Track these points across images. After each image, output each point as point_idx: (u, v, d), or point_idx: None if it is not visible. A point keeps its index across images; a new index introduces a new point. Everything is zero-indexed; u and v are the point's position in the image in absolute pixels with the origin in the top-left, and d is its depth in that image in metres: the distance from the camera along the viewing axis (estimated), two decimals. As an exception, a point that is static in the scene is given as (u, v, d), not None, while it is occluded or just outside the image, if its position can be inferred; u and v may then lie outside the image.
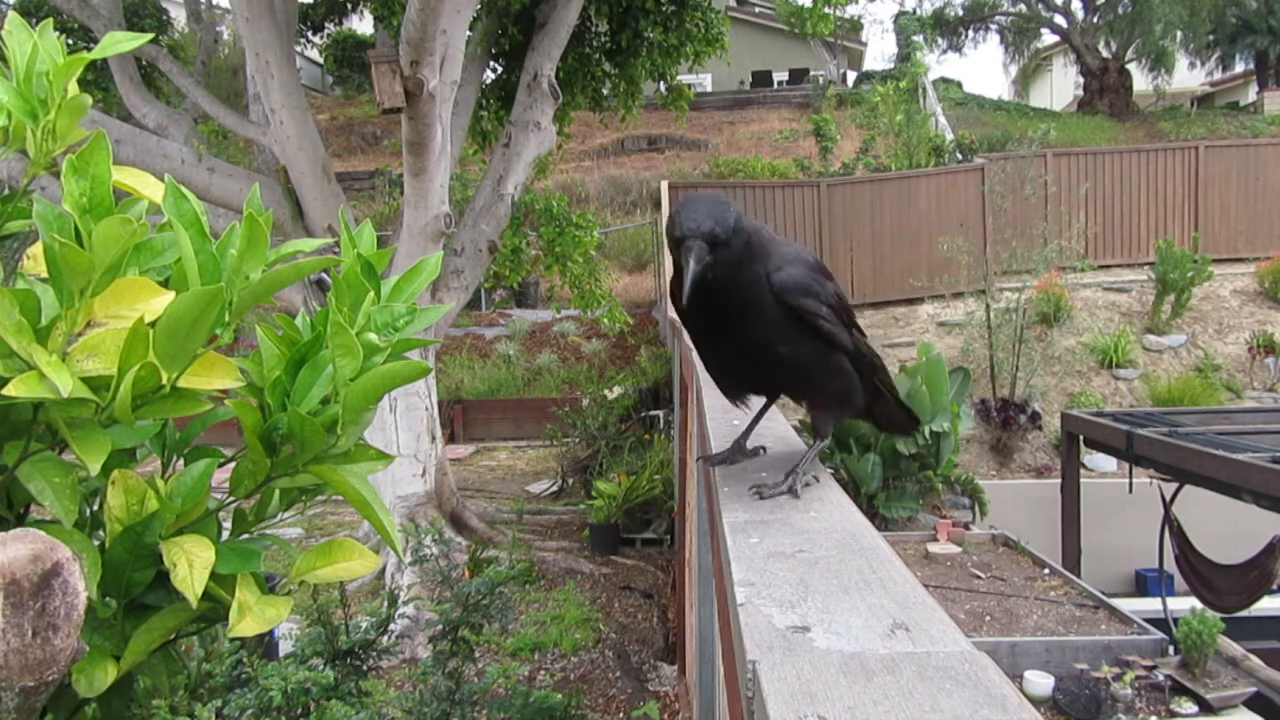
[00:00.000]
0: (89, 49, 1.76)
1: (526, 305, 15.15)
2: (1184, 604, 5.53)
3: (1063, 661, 4.37)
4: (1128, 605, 5.28)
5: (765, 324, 1.29)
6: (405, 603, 3.46)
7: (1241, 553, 5.53)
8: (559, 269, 8.84)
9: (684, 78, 10.24)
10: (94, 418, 0.85)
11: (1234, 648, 4.69)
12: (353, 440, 0.96)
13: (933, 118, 17.28)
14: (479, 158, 10.33)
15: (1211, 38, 21.62)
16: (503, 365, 13.45)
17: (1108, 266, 12.85)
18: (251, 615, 0.92)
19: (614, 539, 7.73)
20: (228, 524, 1.01)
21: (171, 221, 0.92)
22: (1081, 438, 7.48)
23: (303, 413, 0.90)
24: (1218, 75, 24.77)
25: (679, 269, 1.28)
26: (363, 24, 15.62)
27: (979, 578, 5.47)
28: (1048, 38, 25.82)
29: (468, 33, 7.07)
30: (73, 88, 0.96)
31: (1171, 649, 4.47)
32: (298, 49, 8.98)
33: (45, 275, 0.91)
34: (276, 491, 1.00)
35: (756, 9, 25.86)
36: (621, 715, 5.04)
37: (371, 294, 1.00)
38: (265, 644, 3.90)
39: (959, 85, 23.83)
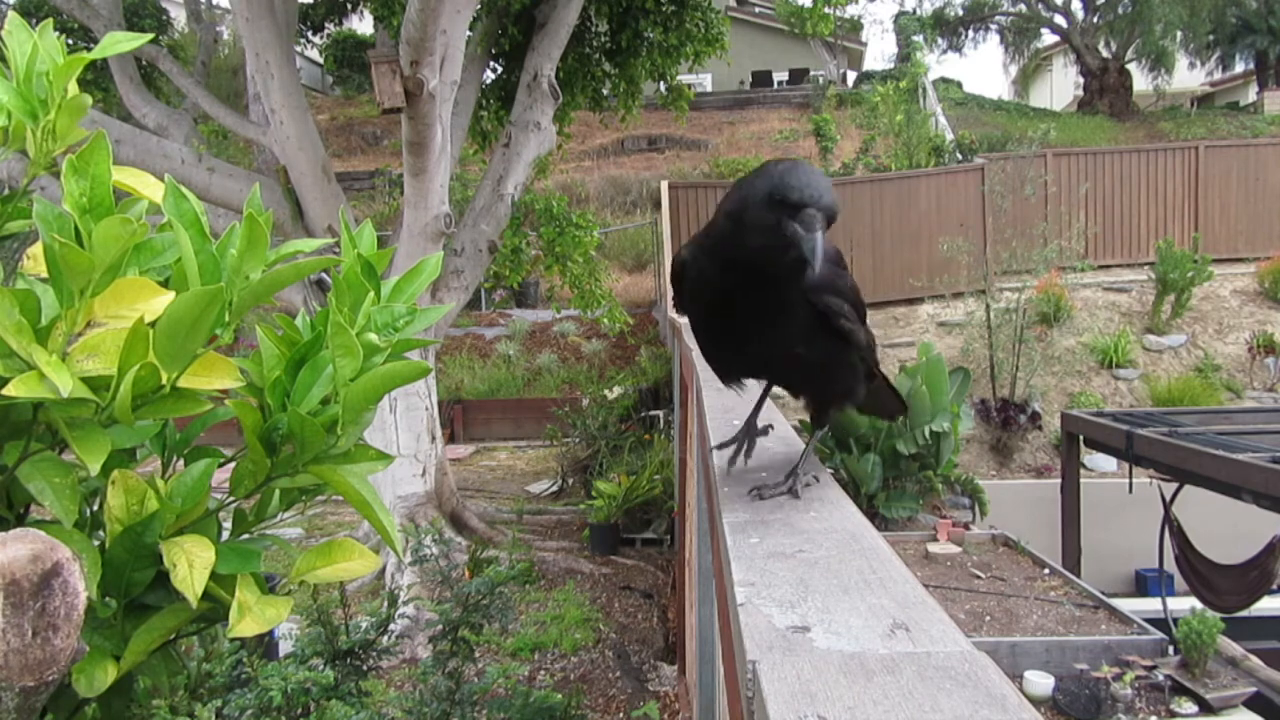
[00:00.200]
0: (89, 49, 1.76)
1: (526, 305, 15.15)
2: (1184, 604, 5.53)
3: (1063, 661, 4.38)
4: (1128, 605, 5.28)
5: (791, 323, 1.20)
6: (405, 603, 3.47)
7: (1241, 553, 5.53)
8: (559, 269, 8.84)
9: (684, 78, 10.24)
10: (94, 418, 0.85)
11: (1234, 648, 4.69)
12: (353, 440, 0.96)
13: (933, 118, 17.28)
14: (479, 158, 10.33)
15: (1211, 38, 21.62)
16: (503, 365, 13.45)
17: (1108, 266, 12.85)
18: (251, 615, 0.92)
19: (614, 539, 7.73)
20: (228, 524, 1.01)
21: (171, 221, 0.92)
22: (1081, 438, 7.49)
23: (303, 413, 0.90)
24: (1218, 75, 24.77)
25: (735, 236, 1.11)
26: (363, 24, 15.62)
27: (979, 578, 5.47)
28: (1048, 38, 25.84)
29: (468, 33, 7.07)
30: (73, 88, 0.96)
31: (1171, 649, 4.47)
32: (298, 49, 8.98)
33: (45, 275, 0.91)
34: (276, 491, 1.00)
35: (756, 9, 25.86)
36: (621, 715, 5.04)
37: (371, 294, 1.00)
38: (265, 644, 3.90)
39: (959, 85, 23.83)
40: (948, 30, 24.51)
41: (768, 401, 1.52)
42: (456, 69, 6.48)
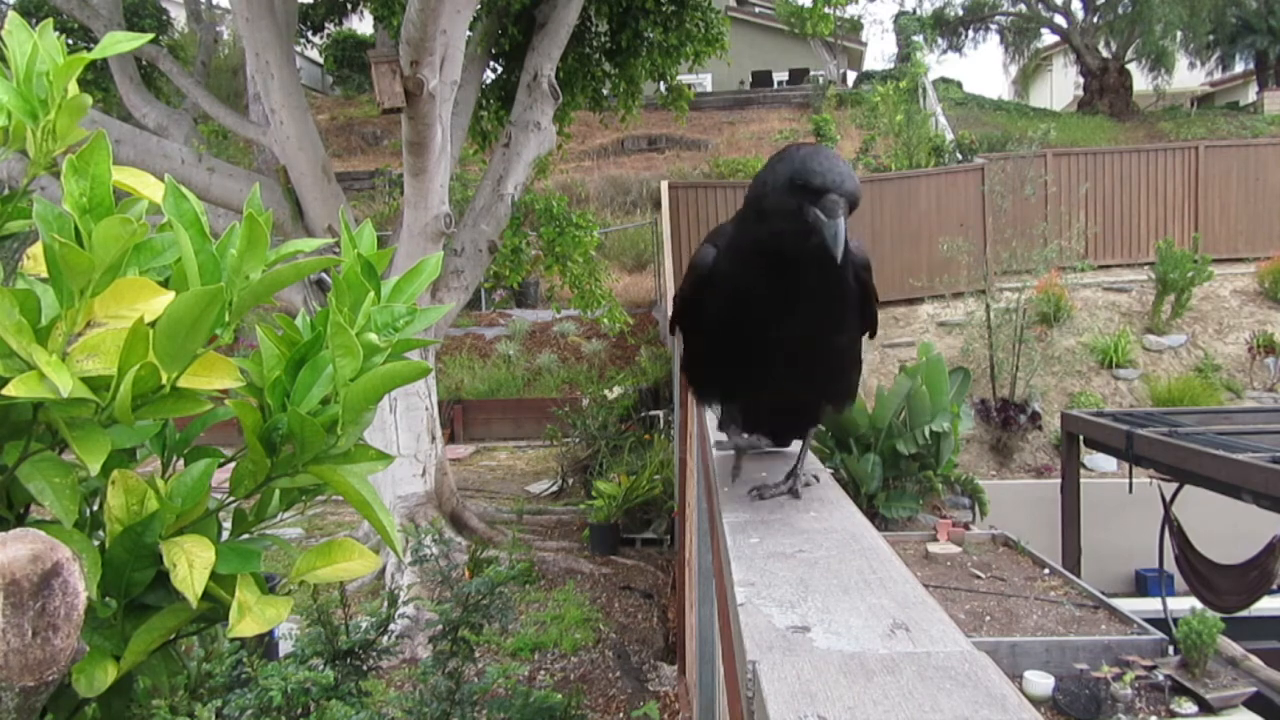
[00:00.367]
0: (89, 49, 1.76)
1: (526, 305, 15.15)
2: (1184, 604, 5.53)
3: (1063, 661, 4.38)
4: (1128, 605, 5.28)
5: (839, 307, 1.15)
6: (405, 603, 3.46)
7: (1241, 553, 5.53)
8: (559, 269, 8.84)
9: (684, 78, 10.24)
10: (94, 418, 0.85)
11: (1234, 648, 4.69)
12: (353, 440, 0.96)
13: (933, 118, 17.28)
14: (479, 158, 10.33)
15: (1211, 38, 21.61)
16: (503, 365, 13.45)
17: (1108, 266, 12.84)
18: (251, 615, 0.92)
19: (614, 539, 7.73)
20: (228, 524, 1.01)
21: (171, 221, 0.92)
22: (1081, 438, 7.48)
23: (303, 413, 0.90)
24: (1218, 75, 24.77)
25: (766, 222, 1.07)
26: (363, 24, 15.62)
27: (979, 578, 5.47)
28: (1048, 38, 25.84)
29: (468, 33, 7.07)
30: (73, 88, 0.96)
31: (1171, 649, 4.47)
32: (298, 49, 8.98)
33: (45, 275, 0.91)
34: (276, 491, 1.00)
35: (756, 9, 25.86)
36: (621, 715, 5.04)
37: (371, 294, 1.00)
38: (265, 644, 3.90)
39: (959, 85, 23.83)
40: (948, 30, 24.51)
41: None
42: (456, 69, 6.48)
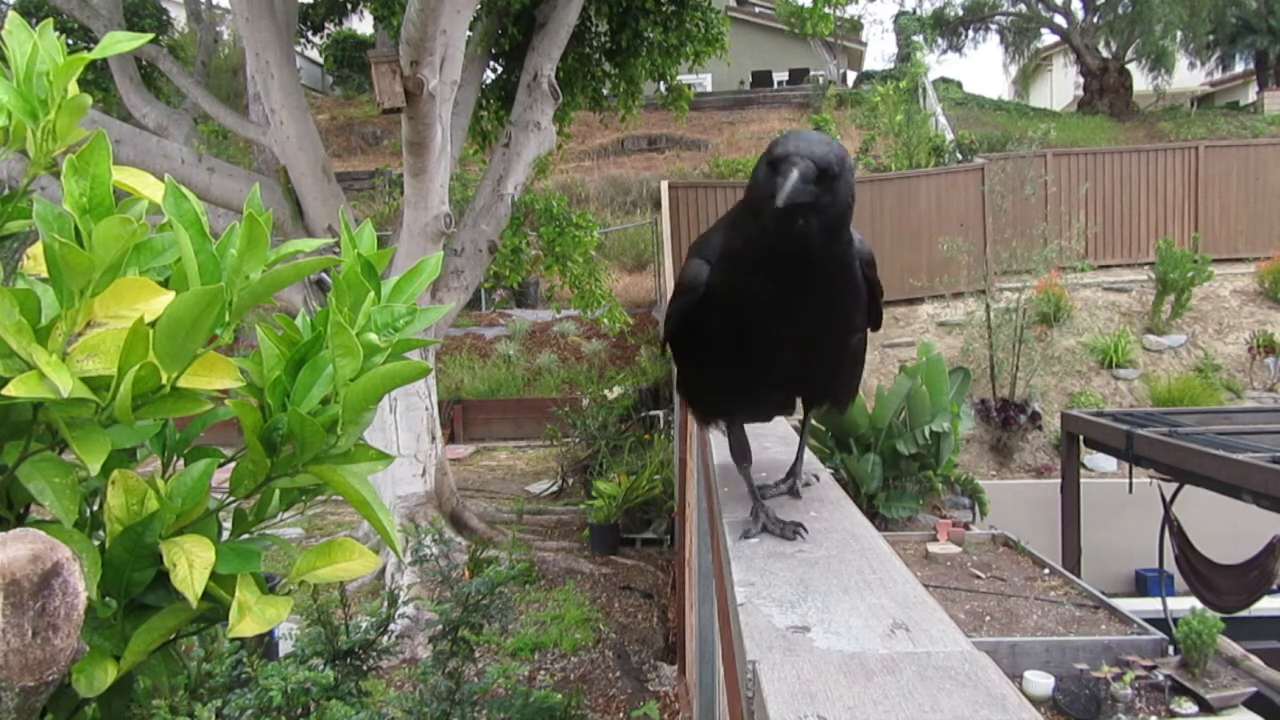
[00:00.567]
0: (89, 49, 1.76)
1: (526, 305, 15.15)
2: (1184, 604, 5.53)
3: (1063, 661, 4.38)
4: (1128, 605, 5.28)
5: (847, 305, 1.13)
6: (405, 603, 3.46)
7: (1241, 553, 5.53)
8: (559, 269, 8.84)
9: (684, 78, 10.24)
10: (94, 418, 0.85)
11: (1234, 648, 4.69)
12: (353, 440, 0.96)
13: (933, 118, 17.28)
14: (479, 158, 10.33)
15: (1211, 38, 21.61)
16: (503, 365, 13.45)
17: (1108, 266, 12.84)
18: (251, 615, 0.92)
19: (614, 539, 7.73)
20: (228, 524, 1.01)
21: (171, 221, 0.92)
22: (1081, 438, 7.49)
23: (303, 413, 0.90)
24: (1218, 75, 24.77)
25: (754, 194, 1.05)
26: (363, 24, 15.62)
27: (979, 578, 5.47)
28: (1048, 38, 25.84)
29: (468, 33, 7.07)
30: (73, 88, 0.96)
31: (1171, 649, 4.47)
32: (298, 49, 8.98)
33: (45, 275, 0.91)
34: (276, 491, 1.00)
35: (756, 9, 25.86)
36: (621, 715, 5.04)
37: (371, 294, 1.00)
38: (265, 644, 3.90)
39: (959, 85, 23.83)
40: (948, 30, 24.51)
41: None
42: (456, 69, 6.48)
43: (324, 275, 6.06)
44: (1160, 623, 4.93)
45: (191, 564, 0.86)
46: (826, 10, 9.46)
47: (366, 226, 1.09)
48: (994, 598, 5.12)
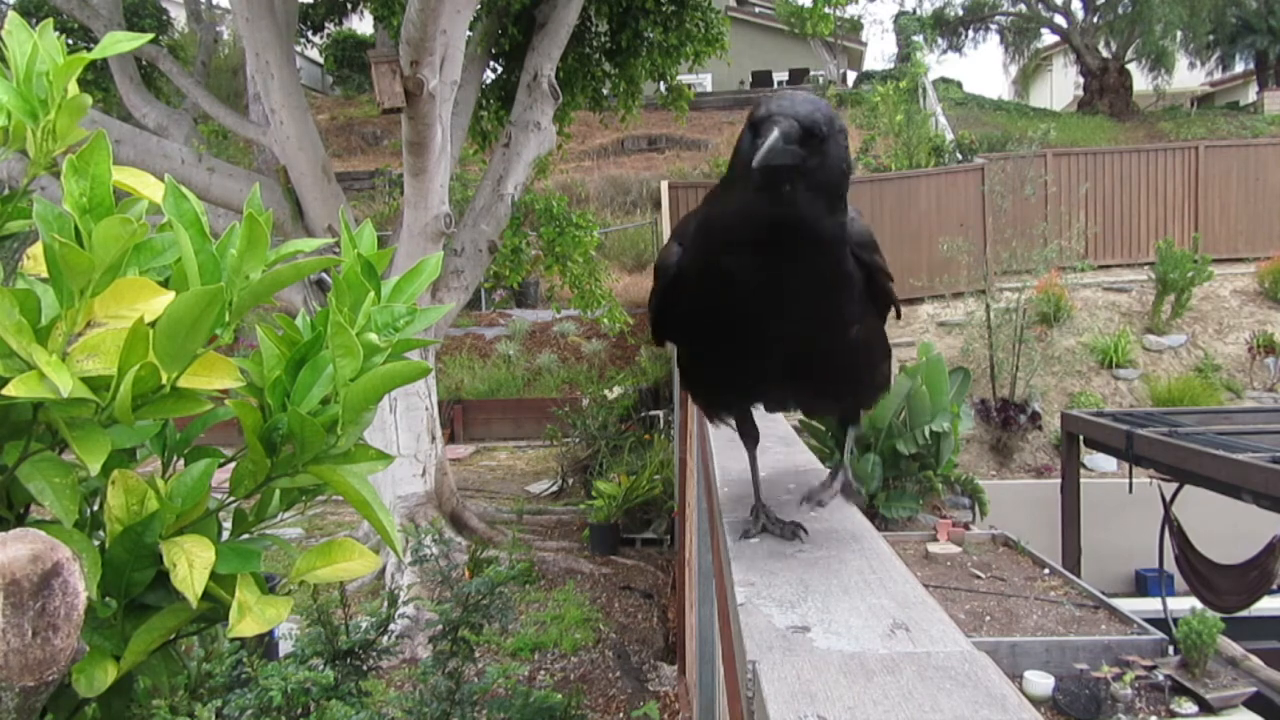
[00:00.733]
0: (89, 49, 1.76)
1: (526, 305, 15.15)
2: (1184, 604, 5.53)
3: (1063, 661, 4.38)
4: (1128, 605, 5.28)
5: (838, 296, 1.00)
6: (405, 603, 3.46)
7: (1241, 553, 5.53)
8: (559, 269, 8.84)
9: (684, 78, 10.24)
10: (94, 418, 0.85)
11: (1234, 648, 4.69)
12: (353, 440, 0.96)
13: (933, 118, 17.27)
14: (479, 158, 10.33)
15: (1211, 38, 21.61)
16: (503, 365, 13.45)
17: (1108, 266, 12.84)
18: (251, 615, 0.92)
19: (614, 539, 7.73)
20: (228, 524, 1.01)
21: (171, 221, 0.92)
22: (1081, 438, 7.49)
23: (303, 413, 0.90)
24: (1218, 75, 24.77)
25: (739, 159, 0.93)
26: (363, 24, 15.63)
27: (979, 578, 5.47)
28: (1048, 38, 25.83)
29: (468, 33, 7.07)
30: (73, 88, 0.96)
31: (1171, 649, 4.47)
32: (298, 49, 8.98)
33: (45, 275, 0.91)
34: (276, 491, 1.00)
35: (756, 9, 25.86)
36: (621, 715, 5.04)
37: (371, 294, 1.00)
38: (265, 644, 3.90)
39: (959, 85, 23.82)
40: (948, 30, 24.50)
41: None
42: (456, 69, 6.48)
43: (324, 275, 6.06)
44: (1160, 623, 4.93)
45: (191, 564, 0.86)
46: (826, 10, 9.46)
47: (366, 226, 1.09)
48: (994, 598, 5.12)
